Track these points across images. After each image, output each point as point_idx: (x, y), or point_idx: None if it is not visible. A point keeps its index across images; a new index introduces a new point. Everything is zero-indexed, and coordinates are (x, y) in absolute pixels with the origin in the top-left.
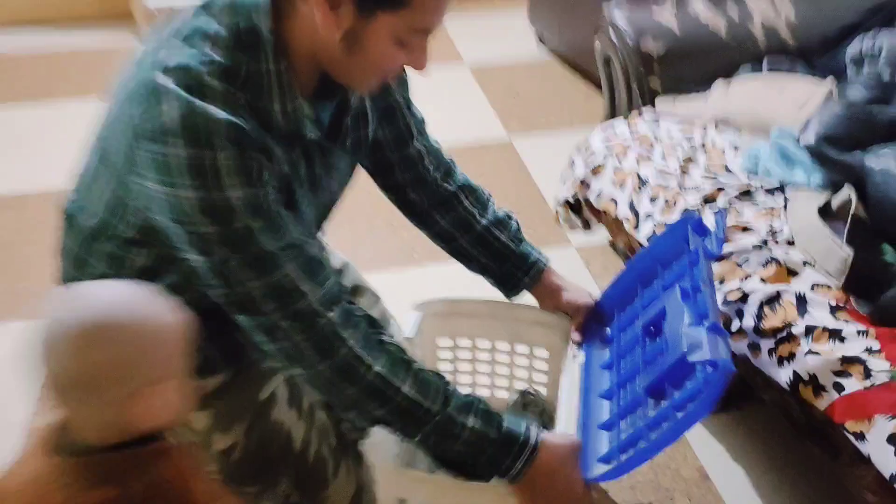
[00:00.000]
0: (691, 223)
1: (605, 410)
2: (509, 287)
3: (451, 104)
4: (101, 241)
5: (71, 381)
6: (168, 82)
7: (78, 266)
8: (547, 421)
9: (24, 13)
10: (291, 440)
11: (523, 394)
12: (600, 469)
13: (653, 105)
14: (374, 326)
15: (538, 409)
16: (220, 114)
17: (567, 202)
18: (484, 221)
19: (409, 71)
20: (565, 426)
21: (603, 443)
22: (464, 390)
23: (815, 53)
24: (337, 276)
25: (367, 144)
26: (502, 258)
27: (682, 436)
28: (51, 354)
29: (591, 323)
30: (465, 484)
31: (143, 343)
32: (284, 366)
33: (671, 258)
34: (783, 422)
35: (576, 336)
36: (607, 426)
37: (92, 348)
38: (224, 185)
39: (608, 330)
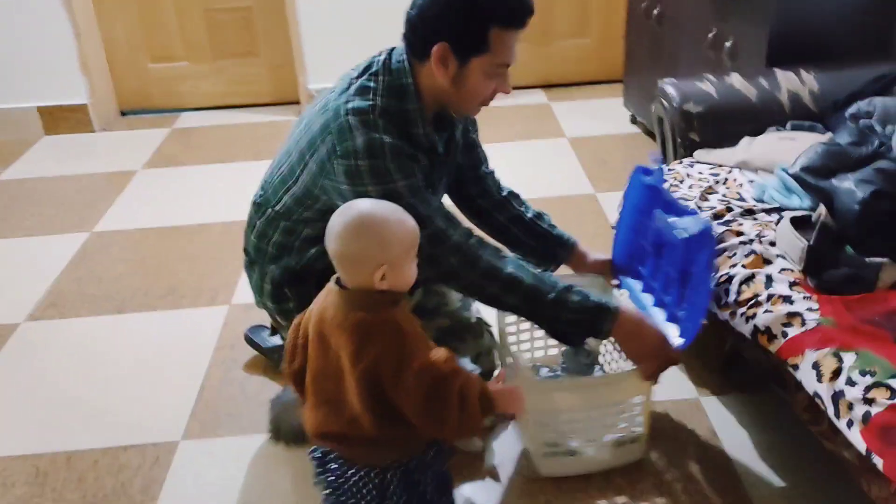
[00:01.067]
0: (638, 168)
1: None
2: (550, 261)
3: (550, 166)
4: (283, 220)
5: (340, 256)
6: (354, 121)
7: (260, 236)
8: (594, 362)
9: (216, 99)
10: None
11: None
12: (673, 330)
13: (692, 155)
14: (496, 249)
15: (587, 354)
16: (386, 139)
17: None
18: (529, 215)
19: (501, 98)
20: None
21: (660, 316)
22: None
23: (827, 116)
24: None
25: (456, 166)
26: (545, 239)
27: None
28: (329, 240)
29: (617, 269)
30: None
31: (394, 232)
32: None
33: (643, 203)
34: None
35: (613, 281)
36: (658, 304)
37: (353, 237)
38: (394, 180)
39: (630, 268)
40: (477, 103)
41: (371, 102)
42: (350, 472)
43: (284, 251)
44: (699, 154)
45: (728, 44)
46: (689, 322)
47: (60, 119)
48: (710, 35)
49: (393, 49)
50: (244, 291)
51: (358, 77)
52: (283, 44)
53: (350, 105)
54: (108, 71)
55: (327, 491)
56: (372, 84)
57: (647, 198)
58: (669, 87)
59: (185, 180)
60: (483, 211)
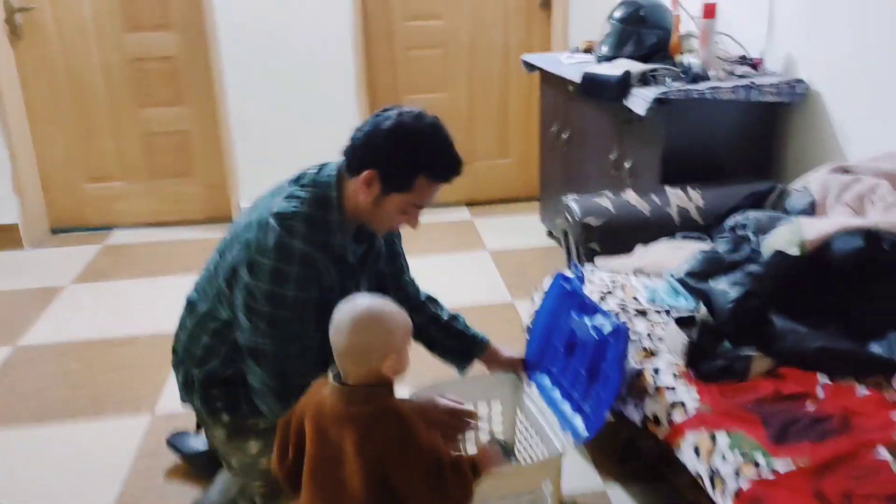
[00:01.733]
0: (558, 276)
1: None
2: (464, 358)
3: (472, 277)
4: (209, 321)
5: (349, 349)
6: (273, 221)
7: (191, 338)
8: (509, 452)
9: (150, 216)
10: None
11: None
12: (578, 422)
13: (593, 262)
14: None
15: (502, 446)
16: (298, 245)
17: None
18: (445, 317)
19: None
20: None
21: (567, 409)
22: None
23: (711, 227)
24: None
25: (377, 274)
26: (460, 338)
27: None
28: (337, 335)
29: (529, 366)
30: None
31: (398, 322)
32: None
33: (558, 307)
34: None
35: (525, 377)
36: (565, 397)
37: (364, 329)
38: (288, 287)
39: (541, 365)
40: (385, 228)
41: (295, 209)
42: None
43: (212, 355)
44: (599, 262)
45: (627, 164)
46: (594, 415)
47: None
48: (612, 157)
49: (325, 164)
50: (168, 400)
51: (290, 184)
52: (217, 164)
53: (276, 209)
54: (40, 191)
55: None
56: (300, 193)
57: (563, 302)
58: (572, 202)
59: (113, 295)
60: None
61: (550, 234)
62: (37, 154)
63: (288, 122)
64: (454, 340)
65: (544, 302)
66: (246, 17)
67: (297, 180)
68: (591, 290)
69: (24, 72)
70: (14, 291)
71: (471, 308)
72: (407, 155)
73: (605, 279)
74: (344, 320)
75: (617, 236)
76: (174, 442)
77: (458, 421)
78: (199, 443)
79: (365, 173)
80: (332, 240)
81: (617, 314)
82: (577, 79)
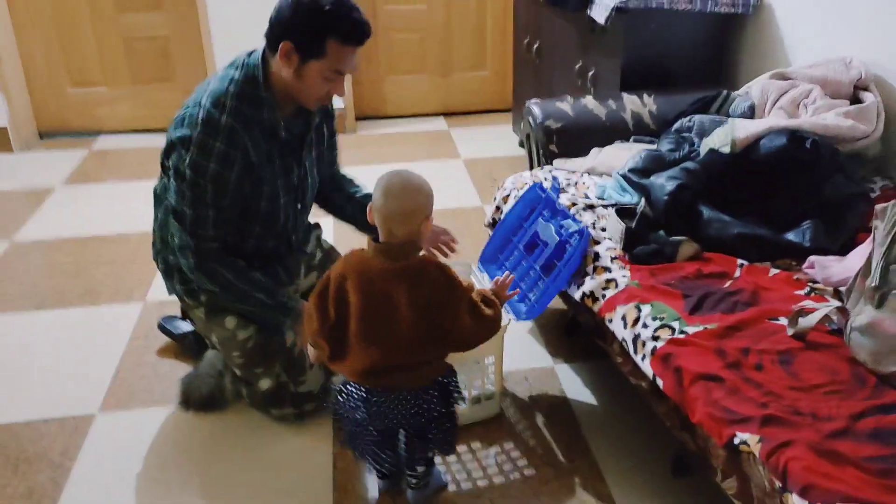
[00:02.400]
0: (536, 185)
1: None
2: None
3: (445, 183)
4: (162, 193)
5: (402, 211)
6: (206, 99)
7: (162, 227)
8: None
9: (133, 122)
10: (285, 340)
11: None
12: (521, 308)
13: (552, 163)
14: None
15: None
16: (226, 120)
17: (493, 219)
18: (358, 195)
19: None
20: None
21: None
22: None
23: (662, 131)
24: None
25: (323, 155)
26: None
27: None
28: (389, 200)
29: (484, 259)
30: None
31: (430, 192)
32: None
33: (527, 212)
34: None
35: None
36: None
37: (413, 194)
38: (210, 160)
39: (497, 260)
40: (314, 99)
41: (226, 88)
42: (397, 396)
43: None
44: (557, 163)
45: (591, 73)
46: (537, 302)
47: None
48: (577, 66)
49: (254, 50)
50: (158, 290)
51: (225, 68)
52: (199, 69)
53: (210, 88)
54: (27, 94)
55: (371, 419)
56: (233, 74)
57: (535, 207)
58: (535, 106)
59: (102, 196)
60: (329, 198)
61: (522, 143)
62: (21, 58)
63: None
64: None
65: (515, 205)
66: None
67: (231, 64)
68: (546, 187)
69: None
70: (6, 192)
71: (442, 211)
72: (312, 21)
73: (560, 177)
74: (394, 187)
75: (574, 139)
76: (164, 324)
77: (449, 236)
78: (186, 325)
79: (281, 46)
80: (262, 114)
81: (568, 208)
82: None
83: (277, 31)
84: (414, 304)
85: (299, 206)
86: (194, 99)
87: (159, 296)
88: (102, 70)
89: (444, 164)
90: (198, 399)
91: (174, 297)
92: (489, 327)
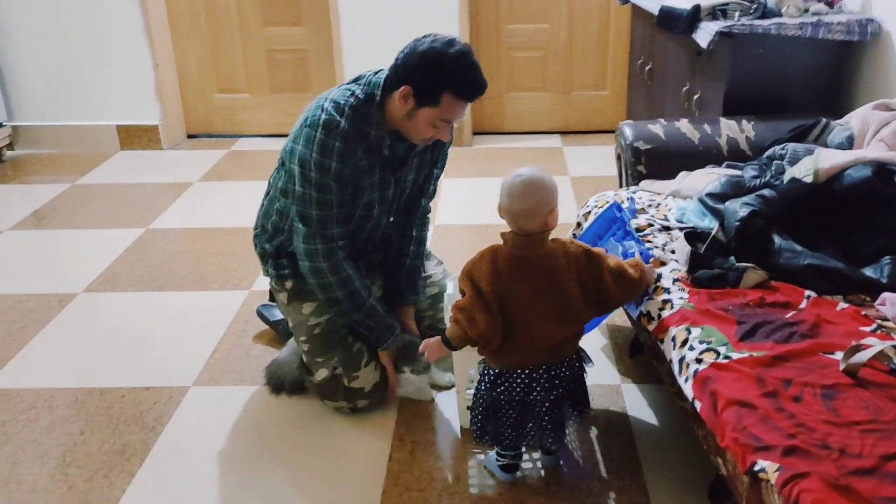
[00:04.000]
0: (614, 204)
1: None
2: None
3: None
4: (276, 200)
5: (524, 210)
6: (327, 104)
7: (265, 216)
8: None
9: (271, 128)
10: (349, 334)
11: None
12: None
13: (638, 184)
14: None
15: None
16: (344, 124)
17: (573, 234)
18: (406, 260)
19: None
20: None
21: None
22: None
23: (756, 158)
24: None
25: (425, 179)
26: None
27: None
28: (515, 200)
29: None
30: None
31: (554, 188)
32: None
33: (604, 230)
34: None
35: None
36: None
37: (537, 190)
38: (332, 159)
39: None
40: (420, 139)
41: (346, 99)
42: (559, 366)
43: (277, 232)
44: (644, 184)
45: (696, 96)
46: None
47: (135, 137)
48: (685, 89)
49: (381, 70)
50: (264, 280)
51: (349, 82)
52: (331, 81)
53: (332, 96)
54: (179, 98)
55: (543, 393)
56: (354, 88)
57: (610, 226)
58: (626, 127)
59: (230, 192)
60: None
61: None
62: (176, 64)
63: (395, 44)
64: (397, 279)
65: (593, 223)
66: None
67: (356, 79)
68: (627, 207)
69: None
70: (153, 184)
71: None
72: (435, 75)
73: (643, 198)
74: (516, 188)
75: (664, 161)
76: (262, 311)
77: None
78: (280, 313)
79: (402, 88)
80: (370, 129)
81: (642, 228)
82: (657, 11)
83: (402, 73)
84: (574, 277)
85: (392, 219)
86: (316, 103)
87: (263, 286)
88: (247, 78)
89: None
90: (291, 383)
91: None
92: (633, 287)
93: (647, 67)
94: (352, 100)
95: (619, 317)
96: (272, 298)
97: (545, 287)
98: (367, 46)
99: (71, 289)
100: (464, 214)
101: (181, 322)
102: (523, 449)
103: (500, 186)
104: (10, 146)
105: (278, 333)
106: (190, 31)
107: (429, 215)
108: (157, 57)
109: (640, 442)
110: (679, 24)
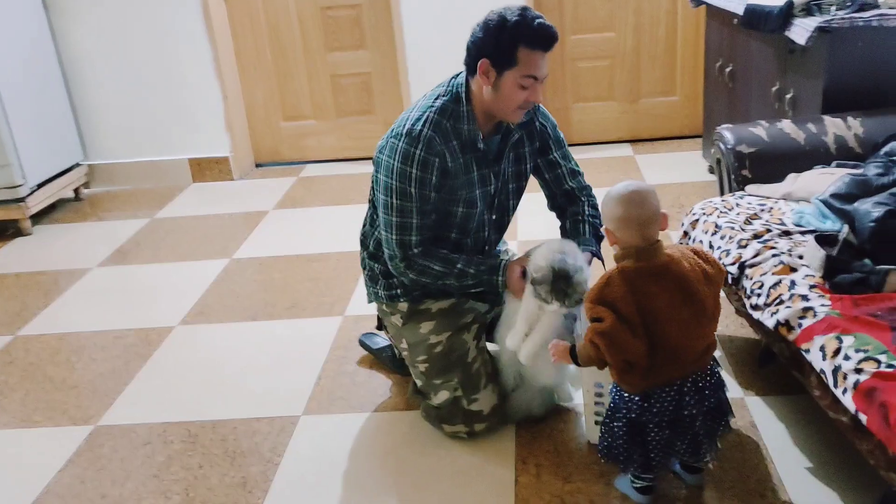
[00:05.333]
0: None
1: None
2: None
3: None
4: (369, 203)
5: (653, 215)
6: (413, 113)
7: (366, 233)
8: None
9: (337, 152)
10: (467, 354)
11: None
12: None
13: (744, 189)
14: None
15: None
16: (426, 131)
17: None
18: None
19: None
20: None
21: None
22: None
23: (869, 156)
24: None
25: (524, 173)
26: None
27: None
28: (639, 205)
29: None
30: None
31: (654, 207)
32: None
33: None
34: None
35: None
36: None
37: (650, 195)
38: (412, 166)
39: None
40: (513, 108)
41: (432, 105)
42: (703, 375)
43: (378, 248)
44: (750, 188)
45: (789, 96)
46: None
47: (206, 169)
48: (774, 89)
49: (460, 73)
50: (356, 305)
51: (434, 88)
52: (396, 102)
53: (418, 104)
54: (247, 128)
55: (694, 407)
56: (438, 91)
57: None
58: (726, 131)
59: (307, 219)
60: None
61: (712, 169)
62: (243, 96)
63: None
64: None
65: None
66: None
67: (439, 85)
68: (738, 213)
69: (233, 23)
70: (229, 215)
71: None
72: (502, 34)
73: (753, 203)
74: (636, 196)
75: (769, 164)
76: (363, 340)
77: None
78: (383, 340)
79: (479, 64)
80: (462, 127)
81: (761, 234)
82: (741, 11)
83: (473, 52)
84: (698, 276)
85: (494, 216)
86: (404, 115)
87: (356, 311)
88: (312, 105)
89: None
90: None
91: (369, 312)
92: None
93: (728, 69)
94: (437, 103)
95: (728, 326)
96: (380, 326)
97: (679, 294)
98: (433, 66)
99: (167, 322)
100: (547, 229)
101: (280, 351)
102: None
103: (604, 205)
104: (87, 184)
105: (382, 361)
106: (256, 63)
107: (590, 190)
108: (225, 90)
109: (776, 457)
110: (770, 21)
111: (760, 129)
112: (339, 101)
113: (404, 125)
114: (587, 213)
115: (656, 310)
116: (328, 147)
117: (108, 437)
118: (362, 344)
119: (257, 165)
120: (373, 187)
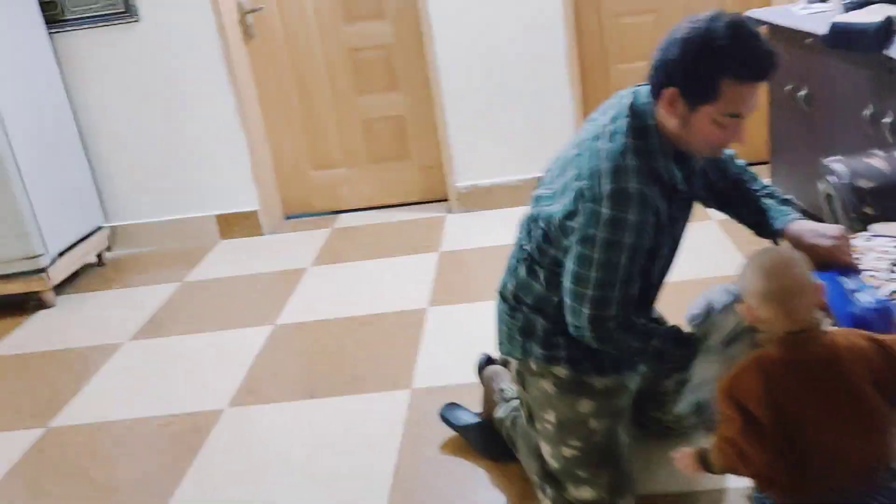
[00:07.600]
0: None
1: None
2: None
3: (699, 248)
4: (538, 265)
5: (798, 286)
6: (605, 166)
7: (520, 286)
8: None
9: (371, 200)
10: (621, 449)
11: None
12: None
13: (866, 229)
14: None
15: None
16: (634, 187)
17: None
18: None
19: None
20: None
21: None
22: None
23: None
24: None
25: (698, 194)
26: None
27: None
28: (781, 275)
29: None
30: None
31: (802, 278)
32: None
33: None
34: None
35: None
36: None
37: (797, 263)
38: (626, 235)
39: None
40: (707, 148)
41: (623, 146)
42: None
43: (544, 303)
44: (876, 227)
45: (888, 120)
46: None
47: (234, 225)
48: (867, 113)
49: (635, 92)
50: (424, 374)
51: (607, 122)
52: (433, 146)
53: (604, 153)
54: (275, 180)
55: None
56: (621, 127)
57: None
58: (837, 165)
59: (350, 275)
60: (721, 193)
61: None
62: (270, 146)
63: (497, 101)
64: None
65: None
66: (458, 3)
67: (612, 118)
68: (873, 258)
69: (256, 69)
70: (266, 274)
71: (702, 279)
72: (703, 61)
73: (887, 245)
74: (778, 264)
75: (893, 198)
76: (446, 414)
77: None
78: (468, 415)
79: (664, 93)
80: (658, 165)
81: None
82: (821, 30)
83: (661, 75)
84: (862, 375)
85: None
86: (586, 167)
87: (426, 381)
88: (343, 151)
89: (693, 227)
90: None
91: (440, 383)
92: None
93: (801, 93)
94: (628, 142)
95: None
96: (522, 382)
97: (835, 396)
98: (470, 106)
99: (215, 404)
100: None
101: (347, 434)
102: None
103: (742, 278)
104: (109, 248)
105: (469, 440)
106: (282, 111)
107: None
108: (251, 140)
109: None
110: (865, 41)
111: (878, 161)
112: (372, 147)
113: (600, 184)
114: (756, 190)
115: (802, 415)
116: (361, 195)
117: None
118: (444, 418)
119: (287, 218)
120: (540, 247)
